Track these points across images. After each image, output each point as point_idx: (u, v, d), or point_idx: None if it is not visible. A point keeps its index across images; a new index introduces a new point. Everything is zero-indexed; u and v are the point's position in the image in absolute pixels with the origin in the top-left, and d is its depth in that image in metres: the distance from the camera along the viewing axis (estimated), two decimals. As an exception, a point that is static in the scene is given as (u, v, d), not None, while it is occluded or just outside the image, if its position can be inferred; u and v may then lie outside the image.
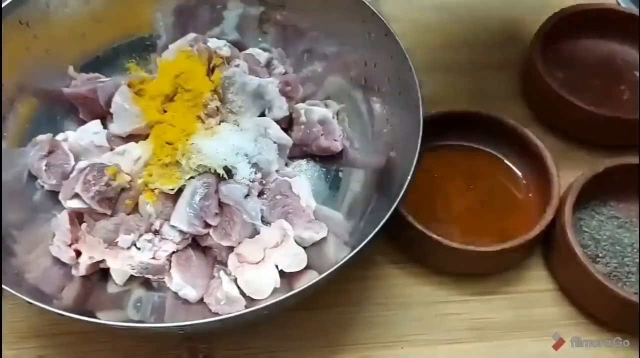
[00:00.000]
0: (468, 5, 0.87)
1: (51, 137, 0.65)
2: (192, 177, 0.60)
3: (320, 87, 0.72)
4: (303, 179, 0.66)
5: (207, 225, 0.60)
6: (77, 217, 0.61)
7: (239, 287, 0.59)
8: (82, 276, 0.59)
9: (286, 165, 0.67)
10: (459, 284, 0.66)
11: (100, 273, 0.61)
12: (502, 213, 0.68)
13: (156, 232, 0.60)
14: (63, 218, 0.60)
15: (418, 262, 0.67)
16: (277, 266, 0.59)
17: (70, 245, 0.60)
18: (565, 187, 0.67)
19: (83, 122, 0.67)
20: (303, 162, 0.69)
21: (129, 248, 0.59)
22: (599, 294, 0.60)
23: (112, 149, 0.65)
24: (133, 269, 0.59)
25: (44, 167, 0.63)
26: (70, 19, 0.69)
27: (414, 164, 0.57)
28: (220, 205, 0.61)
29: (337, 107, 0.70)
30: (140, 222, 0.61)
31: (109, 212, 0.61)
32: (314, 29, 0.71)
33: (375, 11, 0.65)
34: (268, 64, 0.71)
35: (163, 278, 0.60)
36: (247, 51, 0.72)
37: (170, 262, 0.60)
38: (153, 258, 0.59)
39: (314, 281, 0.52)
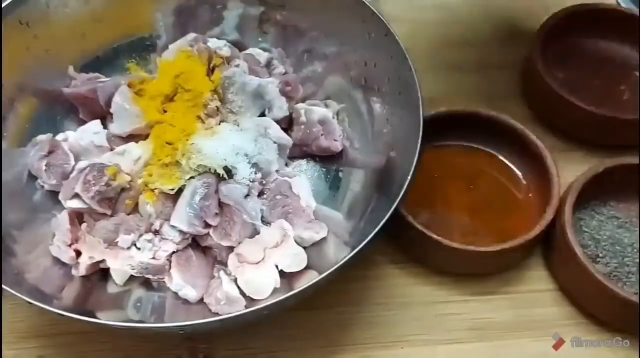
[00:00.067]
0: (468, 5, 0.87)
1: (51, 137, 0.65)
2: (192, 177, 0.60)
3: (320, 87, 0.72)
4: (303, 179, 0.66)
5: (207, 225, 0.60)
6: (77, 217, 0.61)
7: (239, 287, 0.59)
8: (82, 276, 0.59)
9: (286, 165, 0.67)
10: (459, 284, 0.66)
11: (100, 273, 0.61)
12: (502, 213, 0.68)
13: (156, 232, 0.60)
14: (63, 218, 0.60)
15: (418, 262, 0.67)
16: (277, 266, 0.59)
17: (70, 245, 0.60)
18: (565, 187, 0.67)
19: (83, 122, 0.67)
20: (303, 162, 0.69)
21: (129, 248, 0.59)
22: (599, 294, 0.61)
23: (112, 149, 0.65)
24: (133, 269, 0.59)
25: (44, 167, 0.63)
26: (70, 19, 0.69)
27: (414, 164, 0.57)
28: (220, 205, 0.61)
29: (337, 107, 0.70)
30: (140, 222, 0.61)
31: (109, 212, 0.61)
32: (314, 29, 0.71)
33: (375, 11, 0.65)
34: (268, 64, 0.71)
35: (163, 278, 0.60)
36: (247, 51, 0.72)
37: (170, 262, 0.60)
38: (153, 258, 0.59)
39: (314, 281, 0.52)
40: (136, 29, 0.73)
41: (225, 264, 0.60)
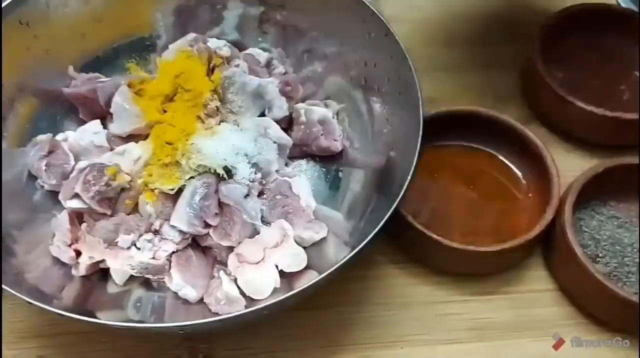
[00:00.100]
0: (468, 5, 0.87)
1: (51, 137, 0.65)
2: (192, 177, 0.60)
3: (320, 87, 0.72)
4: (303, 179, 0.66)
5: (207, 225, 0.60)
6: (77, 217, 0.61)
7: (239, 287, 0.59)
8: (82, 276, 0.59)
9: (286, 165, 0.67)
10: (459, 284, 0.66)
11: (100, 273, 0.61)
12: (502, 213, 0.68)
13: (156, 232, 0.60)
14: (63, 218, 0.60)
15: (418, 262, 0.67)
16: (277, 266, 0.59)
17: (70, 245, 0.60)
18: (565, 187, 0.67)
19: (83, 122, 0.67)
20: (303, 162, 0.69)
21: (129, 248, 0.59)
22: (599, 294, 0.61)
23: (112, 149, 0.65)
24: (133, 269, 0.59)
25: (44, 167, 0.63)
26: (70, 19, 0.69)
27: (414, 164, 0.56)
28: (220, 205, 0.61)
29: (337, 107, 0.70)
30: (140, 222, 0.61)
31: (109, 212, 0.61)
32: (314, 29, 0.71)
33: (375, 11, 0.65)
34: (268, 64, 0.71)
35: (163, 278, 0.60)
36: (247, 51, 0.72)
37: (170, 262, 0.60)
38: (153, 258, 0.59)
39: (314, 281, 0.52)
40: (136, 29, 0.73)
41: (225, 264, 0.60)
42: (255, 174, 0.62)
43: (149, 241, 0.60)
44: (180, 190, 0.60)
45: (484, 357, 0.62)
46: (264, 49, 0.73)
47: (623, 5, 0.86)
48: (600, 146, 0.74)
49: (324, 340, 0.62)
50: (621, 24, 0.79)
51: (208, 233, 0.60)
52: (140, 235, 0.60)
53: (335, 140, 0.67)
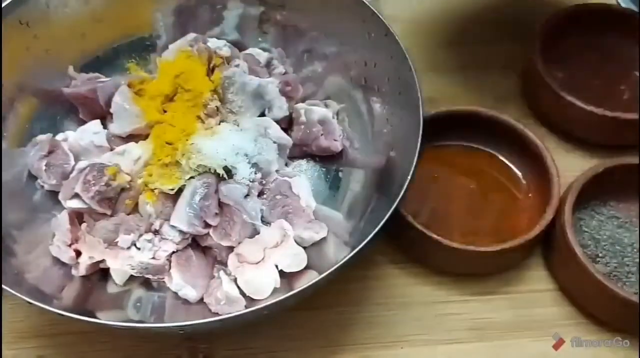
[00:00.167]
0: (468, 5, 0.87)
1: (51, 137, 0.65)
2: (192, 177, 0.60)
3: (320, 87, 0.72)
4: (303, 179, 0.66)
5: (207, 225, 0.60)
6: (77, 217, 0.61)
7: (239, 287, 0.59)
8: (82, 276, 0.59)
9: (286, 165, 0.67)
10: (459, 284, 0.66)
11: (100, 273, 0.61)
12: (502, 213, 0.68)
13: (156, 232, 0.60)
14: (63, 218, 0.60)
15: (418, 262, 0.67)
16: (277, 266, 0.59)
17: (70, 245, 0.60)
18: (565, 187, 0.67)
19: (83, 122, 0.67)
20: (303, 162, 0.69)
21: (129, 248, 0.59)
22: (599, 294, 0.61)
23: (112, 149, 0.65)
24: (133, 269, 0.59)
25: (44, 167, 0.63)
26: (70, 19, 0.69)
27: (414, 164, 0.56)
28: (220, 205, 0.61)
29: (337, 107, 0.70)
30: (140, 222, 0.61)
31: (109, 212, 0.61)
32: (314, 29, 0.71)
33: (375, 11, 0.65)
34: (268, 64, 0.71)
35: (163, 278, 0.60)
36: (247, 51, 0.72)
37: (170, 262, 0.60)
38: (153, 258, 0.59)
39: (314, 281, 0.52)
40: (136, 29, 0.73)
41: (225, 264, 0.60)
42: (255, 174, 0.62)
43: (149, 241, 0.60)
44: (180, 190, 0.60)
45: (484, 357, 0.62)
46: (264, 49, 0.73)
47: (623, 5, 0.86)
48: (600, 146, 0.74)
49: (324, 340, 0.62)
50: (621, 24, 0.79)
51: (208, 233, 0.60)
52: (140, 235, 0.60)
53: (335, 140, 0.67)
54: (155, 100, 0.65)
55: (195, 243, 0.61)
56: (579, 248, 0.62)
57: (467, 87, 0.79)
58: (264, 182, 0.63)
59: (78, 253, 0.60)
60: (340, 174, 0.68)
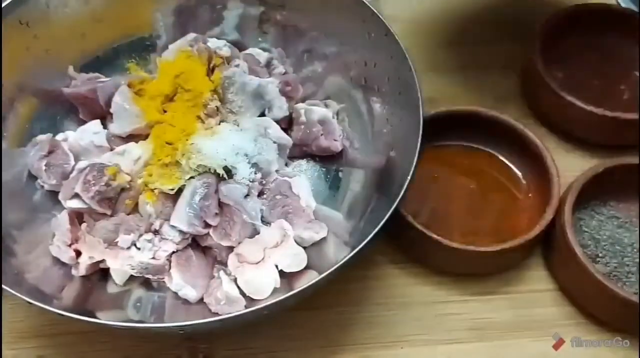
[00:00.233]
0: (468, 5, 0.87)
1: (51, 137, 0.65)
2: (192, 177, 0.60)
3: (320, 87, 0.72)
4: (303, 179, 0.66)
5: (207, 225, 0.60)
6: (77, 217, 0.61)
7: (239, 287, 0.59)
8: (82, 276, 0.59)
9: (286, 165, 0.67)
10: (459, 284, 0.66)
11: (100, 273, 0.61)
12: (502, 213, 0.68)
13: (156, 232, 0.60)
14: (63, 218, 0.60)
15: (418, 262, 0.67)
16: (277, 266, 0.59)
17: (70, 245, 0.60)
18: (565, 187, 0.67)
19: (83, 122, 0.67)
20: (303, 162, 0.69)
21: (129, 248, 0.59)
22: (599, 294, 0.61)
23: (112, 149, 0.65)
24: (133, 269, 0.59)
25: (44, 167, 0.63)
26: (70, 19, 0.69)
27: (414, 163, 0.56)
28: (220, 205, 0.61)
29: (337, 107, 0.70)
30: (140, 222, 0.61)
31: (109, 212, 0.61)
32: (314, 29, 0.71)
33: (375, 11, 0.65)
34: (268, 64, 0.71)
35: (163, 278, 0.60)
36: (247, 51, 0.72)
37: (170, 262, 0.60)
38: (153, 258, 0.59)
39: (314, 281, 0.52)
40: (136, 29, 0.73)
41: (225, 264, 0.60)
42: (255, 174, 0.62)
43: (149, 241, 0.60)
44: (180, 190, 0.60)
45: (484, 357, 0.62)
46: (264, 49, 0.73)
47: (623, 5, 0.86)
48: (600, 146, 0.74)
49: (324, 340, 0.62)
50: (621, 24, 0.79)
51: (208, 233, 0.60)
52: (140, 235, 0.60)
53: (335, 140, 0.67)
54: (155, 100, 0.65)
55: (195, 243, 0.61)
56: (579, 248, 0.62)
57: (467, 87, 0.79)
58: (264, 182, 0.63)
59: (78, 253, 0.60)
60: (340, 174, 0.68)
